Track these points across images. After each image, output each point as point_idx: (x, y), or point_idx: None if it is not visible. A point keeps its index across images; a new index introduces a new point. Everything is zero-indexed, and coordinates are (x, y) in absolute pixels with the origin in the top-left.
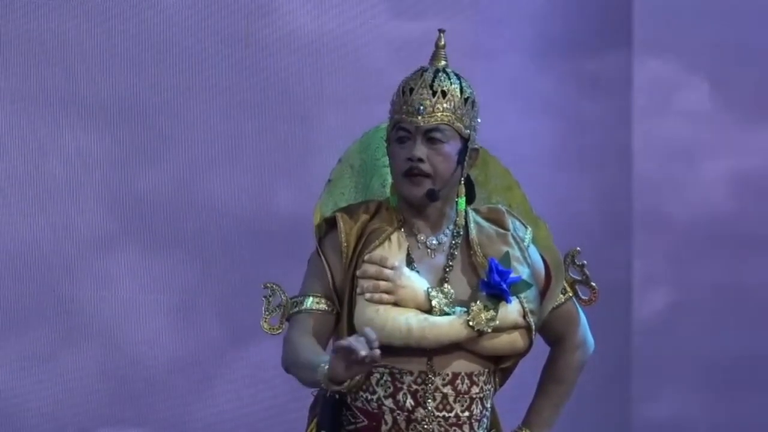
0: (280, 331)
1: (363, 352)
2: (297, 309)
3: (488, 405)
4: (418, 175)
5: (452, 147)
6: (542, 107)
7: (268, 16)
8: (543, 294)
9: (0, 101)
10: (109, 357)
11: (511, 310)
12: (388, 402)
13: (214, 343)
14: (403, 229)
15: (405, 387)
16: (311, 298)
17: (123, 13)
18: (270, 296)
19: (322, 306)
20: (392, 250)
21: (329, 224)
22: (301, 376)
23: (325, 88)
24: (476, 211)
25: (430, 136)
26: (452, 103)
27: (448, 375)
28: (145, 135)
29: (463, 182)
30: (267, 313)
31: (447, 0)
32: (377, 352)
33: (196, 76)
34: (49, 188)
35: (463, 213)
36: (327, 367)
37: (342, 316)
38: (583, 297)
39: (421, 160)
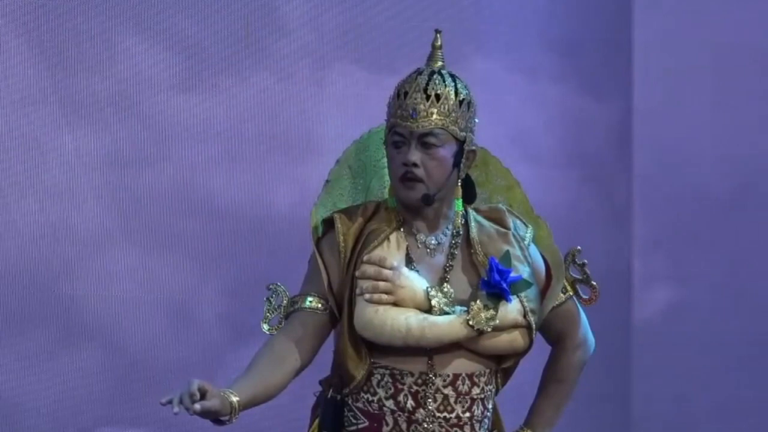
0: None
1: (175, 409)
2: (293, 308)
3: (489, 406)
4: (412, 180)
5: (447, 150)
6: (542, 107)
7: (268, 16)
8: (543, 293)
9: (0, 101)
10: (109, 357)
11: (511, 309)
12: (389, 403)
13: (214, 343)
14: (402, 229)
15: (406, 388)
16: (309, 298)
17: (122, 13)
18: (272, 297)
19: (316, 305)
20: (391, 250)
21: (327, 225)
22: None
23: (326, 88)
24: (477, 210)
25: (424, 141)
26: (446, 107)
27: (448, 376)
28: (145, 135)
29: (460, 183)
30: (268, 313)
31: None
32: (197, 407)
33: (196, 76)
34: (49, 188)
35: (461, 213)
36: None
37: (342, 317)
38: (583, 296)
39: (415, 164)
